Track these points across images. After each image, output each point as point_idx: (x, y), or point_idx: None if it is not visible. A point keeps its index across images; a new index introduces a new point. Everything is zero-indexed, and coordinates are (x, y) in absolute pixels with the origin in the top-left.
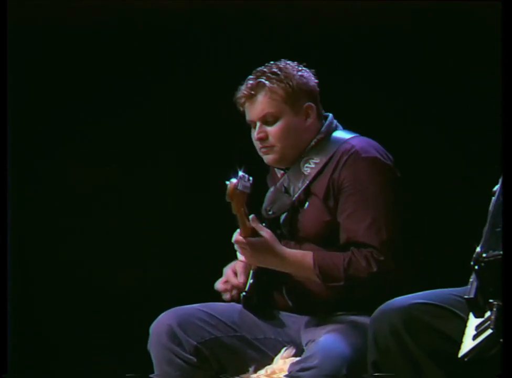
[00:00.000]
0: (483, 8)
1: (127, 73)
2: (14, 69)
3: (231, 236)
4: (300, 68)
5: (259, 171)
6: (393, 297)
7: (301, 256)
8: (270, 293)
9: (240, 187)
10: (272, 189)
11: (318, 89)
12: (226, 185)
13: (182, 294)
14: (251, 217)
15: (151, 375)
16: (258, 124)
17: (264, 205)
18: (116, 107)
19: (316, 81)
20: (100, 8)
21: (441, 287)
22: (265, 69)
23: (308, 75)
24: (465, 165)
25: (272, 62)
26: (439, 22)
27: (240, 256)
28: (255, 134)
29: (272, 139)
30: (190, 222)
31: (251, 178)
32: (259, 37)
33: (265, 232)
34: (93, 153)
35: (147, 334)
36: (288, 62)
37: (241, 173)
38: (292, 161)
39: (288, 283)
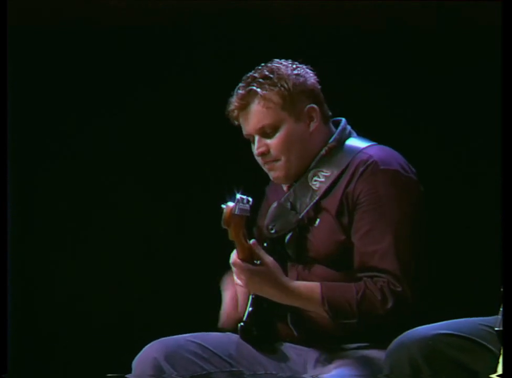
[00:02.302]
0: (483, 8)
1: (126, 76)
2: (15, 70)
3: (229, 257)
4: (295, 66)
5: (260, 188)
6: (412, 327)
7: (307, 290)
8: (272, 322)
9: (237, 212)
10: (275, 204)
11: (319, 87)
12: (221, 209)
13: (171, 322)
14: (251, 241)
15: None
16: (256, 137)
17: (266, 222)
18: (116, 111)
19: (316, 78)
20: (100, 7)
21: (467, 316)
22: (255, 74)
23: (305, 73)
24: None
25: (262, 64)
26: (439, 23)
27: (237, 280)
28: (255, 150)
29: (274, 153)
30: (187, 242)
31: (250, 199)
32: (260, 39)
33: (267, 260)
34: (91, 160)
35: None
36: (281, 61)
37: (238, 195)
38: (300, 175)
39: (293, 310)
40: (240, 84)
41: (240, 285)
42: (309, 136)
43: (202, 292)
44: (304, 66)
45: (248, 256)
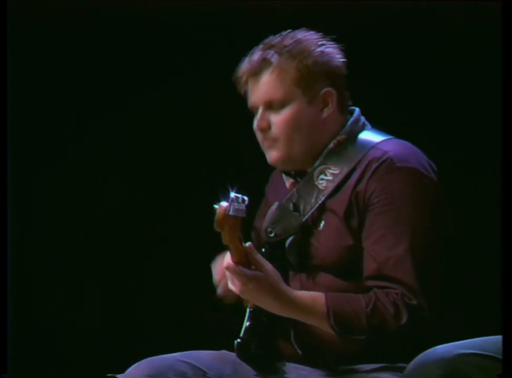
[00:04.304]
0: (483, 8)
1: (126, 75)
2: (15, 70)
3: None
4: (323, 42)
5: (260, 188)
6: (431, 345)
7: (309, 300)
8: (272, 339)
9: (231, 212)
10: (275, 205)
11: (344, 72)
12: (214, 210)
13: (163, 338)
14: (247, 244)
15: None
16: (260, 109)
17: (265, 225)
18: (116, 111)
19: (343, 61)
20: (100, 7)
21: (493, 334)
22: (276, 39)
23: (331, 52)
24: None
25: (288, 31)
26: (439, 22)
27: (231, 286)
28: (255, 123)
29: (275, 130)
30: (188, 244)
31: (246, 199)
32: (260, 38)
33: (265, 266)
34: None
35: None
36: (309, 32)
37: (232, 194)
38: (302, 163)
39: (297, 325)
40: (256, 48)
41: (236, 293)
42: (320, 123)
43: (199, 302)
44: (334, 45)
45: (244, 261)
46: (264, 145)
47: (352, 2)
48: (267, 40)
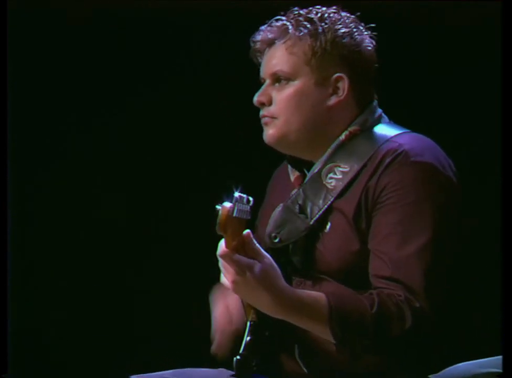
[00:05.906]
0: (483, 8)
1: (126, 75)
2: (15, 70)
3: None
4: (353, 25)
5: (261, 189)
6: (451, 363)
7: (310, 299)
8: (275, 355)
9: (235, 214)
10: (280, 207)
11: (369, 60)
12: (216, 211)
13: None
14: (245, 232)
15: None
16: (266, 83)
17: (268, 229)
18: (116, 111)
19: (372, 51)
20: (99, 7)
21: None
22: (302, 12)
23: (358, 38)
24: None
25: (318, 7)
26: (438, 22)
27: (223, 278)
28: (255, 96)
29: (274, 108)
30: (188, 246)
31: (251, 199)
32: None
33: (264, 258)
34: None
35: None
36: (343, 13)
37: (237, 194)
38: (297, 144)
39: (301, 340)
40: (280, 15)
41: (228, 286)
42: (326, 110)
43: (198, 308)
44: (365, 31)
45: (240, 249)
46: (262, 121)
47: (352, 2)
48: (292, 10)
